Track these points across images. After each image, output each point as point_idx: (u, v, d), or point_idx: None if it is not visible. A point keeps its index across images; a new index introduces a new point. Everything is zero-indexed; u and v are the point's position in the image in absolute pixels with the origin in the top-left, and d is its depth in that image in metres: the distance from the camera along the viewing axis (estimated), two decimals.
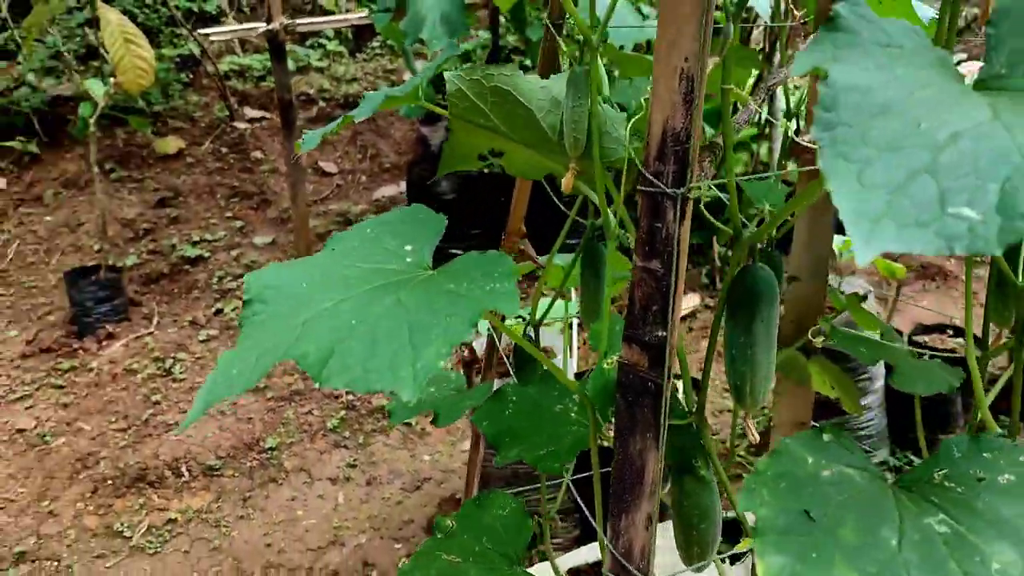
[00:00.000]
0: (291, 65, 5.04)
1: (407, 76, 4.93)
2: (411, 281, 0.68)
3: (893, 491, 0.60)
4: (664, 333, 0.77)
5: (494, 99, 0.94)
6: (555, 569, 1.02)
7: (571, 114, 0.89)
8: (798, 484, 0.57)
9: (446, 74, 0.97)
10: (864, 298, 2.44)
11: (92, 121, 3.30)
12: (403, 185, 4.20)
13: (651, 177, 0.75)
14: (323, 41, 5.12)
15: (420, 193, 3.64)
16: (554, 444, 0.95)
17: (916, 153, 0.45)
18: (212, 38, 3.44)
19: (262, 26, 3.17)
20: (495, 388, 1.09)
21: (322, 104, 4.92)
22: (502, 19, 4.17)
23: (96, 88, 3.31)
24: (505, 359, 1.47)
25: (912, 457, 2.46)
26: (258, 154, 4.67)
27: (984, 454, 0.61)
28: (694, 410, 0.92)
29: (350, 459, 2.73)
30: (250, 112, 4.93)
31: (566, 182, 0.93)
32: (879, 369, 2.45)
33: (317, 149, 4.85)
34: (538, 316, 1.31)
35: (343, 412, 2.95)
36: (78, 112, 3.42)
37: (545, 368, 1.06)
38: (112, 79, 3.35)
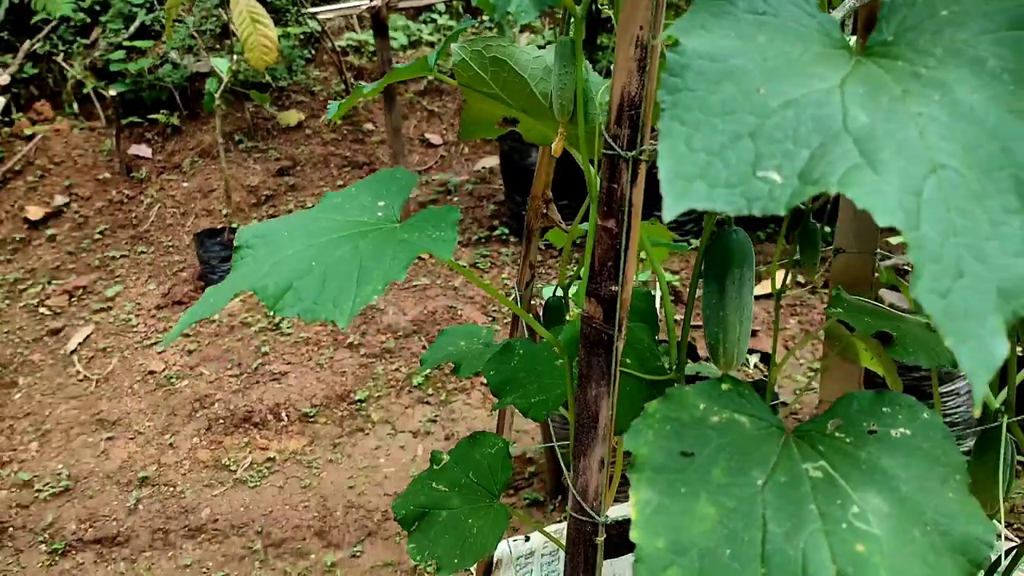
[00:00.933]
0: (403, 39, 5.23)
1: None
2: (373, 231, 0.76)
3: (786, 439, 0.63)
4: (616, 288, 0.82)
5: (493, 68, 1.00)
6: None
7: (558, 81, 0.94)
8: (683, 427, 0.61)
9: (452, 46, 1.05)
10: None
11: (217, 95, 3.59)
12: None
13: (610, 140, 0.79)
14: (435, 16, 5.28)
15: (511, 165, 3.72)
16: (544, 394, 1.02)
17: (744, 118, 0.48)
18: (319, 16, 3.65)
19: (365, 3, 3.33)
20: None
21: (430, 77, 5.09)
22: None
23: (221, 65, 3.60)
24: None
25: None
26: (369, 126, 4.91)
27: (884, 409, 0.63)
28: (674, 367, 0.96)
29: (432, 415, 2.89)
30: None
31: (555, 145, 0.98)
32: None
33: (424, 121, 5.04)
34: (565, 281, 1.37)
35: (428, 370, 3.12)
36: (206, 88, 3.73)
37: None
38: (235, 56, 3.63)
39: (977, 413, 0.42)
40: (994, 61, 0.51)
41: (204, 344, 3.45)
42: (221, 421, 2.95)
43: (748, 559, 0.54)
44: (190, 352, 3.40)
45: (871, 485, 0.58)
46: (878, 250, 1.51)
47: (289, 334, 3.43)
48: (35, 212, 4.52)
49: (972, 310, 0.42)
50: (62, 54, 5.08)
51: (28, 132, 4.89)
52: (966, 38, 0.52)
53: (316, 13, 3.74)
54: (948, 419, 2.30)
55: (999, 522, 0.97)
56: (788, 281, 1.44)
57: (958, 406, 2.31)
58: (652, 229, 1.50)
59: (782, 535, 0.55)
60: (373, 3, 3.29)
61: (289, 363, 3.24)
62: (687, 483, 0.58)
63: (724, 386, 0.65)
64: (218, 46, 5.03)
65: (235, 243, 0.78)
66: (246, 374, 3.21)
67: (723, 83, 0.50)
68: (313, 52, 5.37)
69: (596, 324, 0.84)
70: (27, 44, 5.09)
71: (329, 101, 5.04)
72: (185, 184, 4.61)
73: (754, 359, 2.41)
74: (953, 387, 2.28)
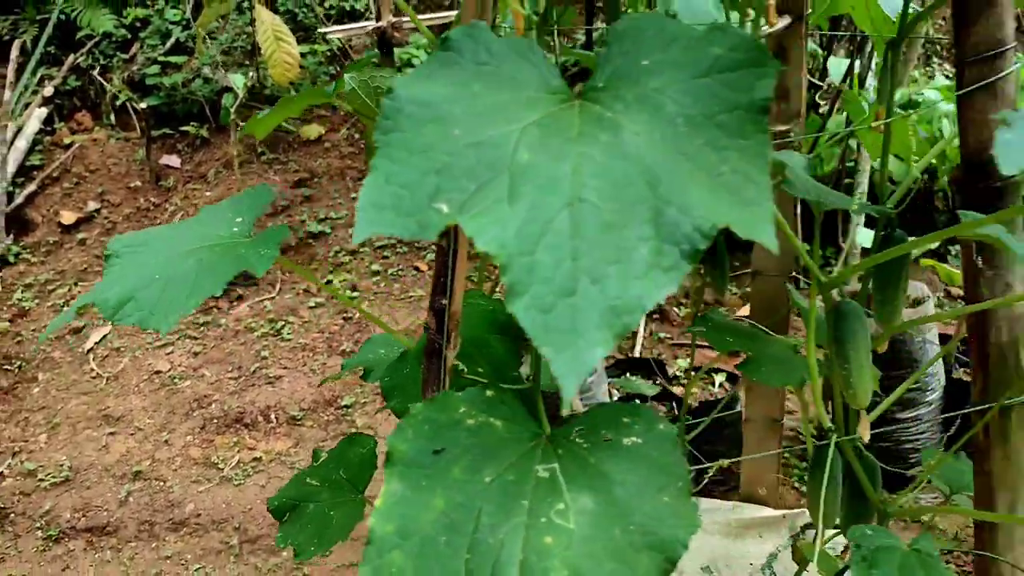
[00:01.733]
0: (424, 55, 5.38)
1: None
2: (220, 246, 0.85)
3: (536, 443, 0.69)
4: (446, 301, 0.89)
5: (377, 96, 1.09)
6: None
7: None
8: (440, 428, 0.68)
9: (345, 75, 1.14)
10: (921, 302, 2.31)
11: (233, 110, 3.77)
12: None
13: None
14: None
15: None
16: (418, 399, 1.10)
17: (438, 157, 0.56)
18: (328, 36, 3.81)
19: (371, 24, 3.46)
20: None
21: None
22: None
23: (237, 81, 3.78)
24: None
25: None
26: None
27: (625, 419, 0.69)
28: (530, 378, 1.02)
29: None
30: None
31: None
32: (936, 381, 2.31)
33: None
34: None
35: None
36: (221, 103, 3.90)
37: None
38: (251, 73, 3.80)
39: (565, 412, 0.48)
40: (673, 106, 0.57)
41: (209, 347, 3.60)
42: (215, 421, 3.09)
43: (458, 546, 0.61)
44: (196, 354, 3.56)
45: (587, 487, 0.64)
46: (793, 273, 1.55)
47: (289, 339, 3.57)
48: (68, 217, 4.77)
49: (574, 325, 0.48)
50: (99, 68, 5.35)
51: (67, 141, 5.17)
52: (656, 86, 0.58)
53: (326, 33, 3.90)
54: (910, 444, 2.29)
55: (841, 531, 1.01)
56: (700, 301, 1.49)
57: (921, 432, 2.30)
58: None
59: (490, 527, 0.61)
60: (379, 24, 3.42)
61: (285, 367, 3.37)
62: (429, 478, 0.65)
63: (488, 393, 0.72)
64: (247, 62, 5.25)
65: (105, 252, 0.88)
66: (244, 377, 3.34)
67: (428, 126, 0.57)
68: (338, 69, 5.55)
69: (431, 334, 0.92)
70: (71, 58, 5.38)
71: (352, 116, 5.19)
72: (208, 193, 4.81)
73: (720, 378, 2.44)
74: (916, 413, 2.28)
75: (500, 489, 0.64)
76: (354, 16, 5.76)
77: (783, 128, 1.34)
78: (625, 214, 0.52)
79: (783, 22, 1.29)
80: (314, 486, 1.06)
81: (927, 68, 4.90)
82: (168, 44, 5.30)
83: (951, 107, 3.12)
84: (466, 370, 0.98)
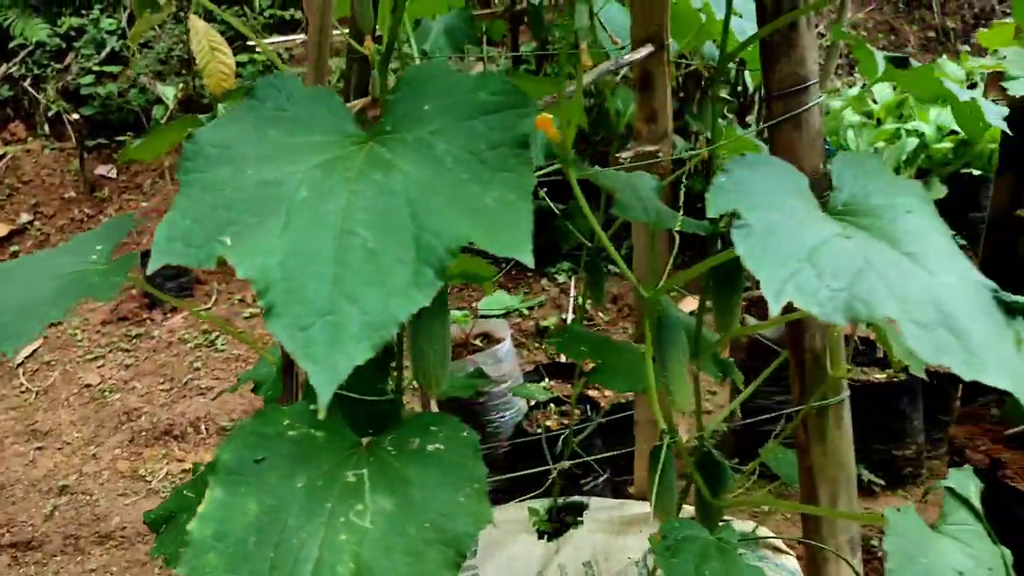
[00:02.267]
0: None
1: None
2: (75, 273, 0.91)
3: (353, 451, 0.76)
4: None
5: None
6: None
7: None
8: (264, 439, 0.75)
9: (219, 106, 1.19)
10: None
11: (163, 121, 3.77)
12: None
13: None
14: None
15: None
16: None
17: (228, 194, 0.62)
18: (258, 48, 3.83)
19: (302, 37, 3.50)
20: None
21: None
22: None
23: (168, 92, 3.78)
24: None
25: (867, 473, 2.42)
26: None
27: (432, 428, 0.76)
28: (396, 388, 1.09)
29: None
30: None
31: None
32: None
33: None
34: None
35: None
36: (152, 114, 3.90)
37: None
38: (180, 84, 3.81)
39: (320, 415, 0.54)
40: (444, 146, 0.65)
41: (142, 359, 3.60)
42: (144, 433, 3.09)
43: (265, 546, 0.67)
44: (127, 367, 3.55)
45: (388, 489, 0.71)
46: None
47: (223, 350, 3.58)
48: (1, 229, 4.70)
49: (332, 340, 0.55)
50: (32, 77, 5.28)
51: (0, 152, 5.09)
52: (432, 128, 0.66)
53: (255, 45, 3.94)
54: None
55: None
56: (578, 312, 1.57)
57: None
58: (472, 262, 1.65)
59: (295, 527, 0.68)
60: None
61: (218, 378, 3.38)
62: (248, 485, 0.72)
63: (312, 407, 0.78)
64: (184, 71, 5.23)
65: None
66: (176, 388, 3.35)
67: (224, 166, 0.64)
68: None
69: (284, 352, 0.98)
70: (3, 68, 5.31)
71: None
72: (144, 203, 4.79)
73: None
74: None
75: (308, 493, 0.70)
76: (294, 26, 5.77)
77: (651, 148, 1.43)
78: (387, 242, 0.59)
79: (645, 50, 1.38)
80: (191, 498, 1.11)
81: (850, 77, 5.10)
82: (103, 53, 5.26)
83: (856, 118, 3.28)
84: None
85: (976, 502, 0.86)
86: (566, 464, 1.34)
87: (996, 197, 1.60)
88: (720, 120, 1.23)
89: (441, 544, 0.68)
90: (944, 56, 4.92)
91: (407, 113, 0.68)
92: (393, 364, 1.23)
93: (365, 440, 0.78)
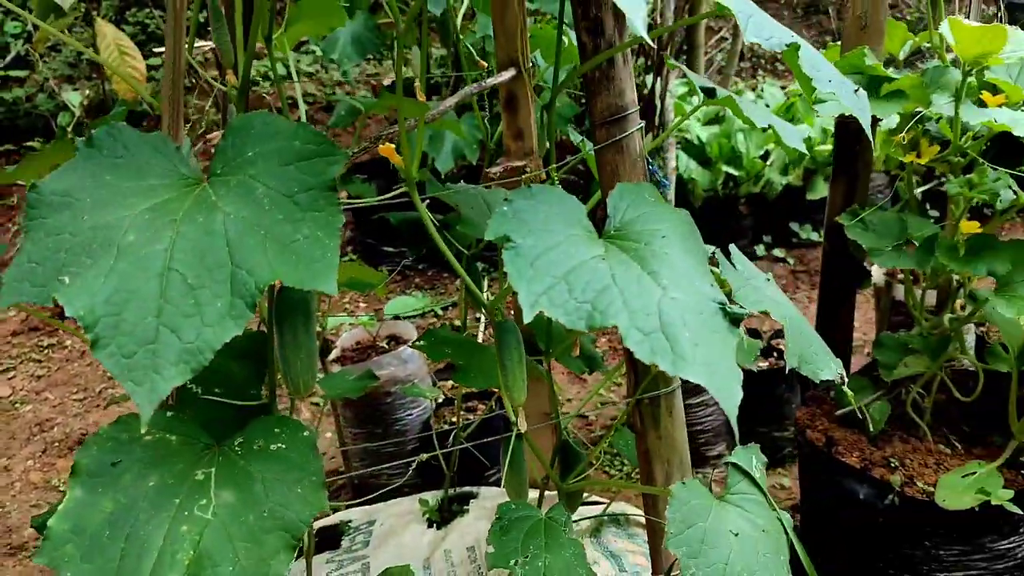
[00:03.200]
0: (288, 70, 5.42)
1: (387, 81, 5.23)
2: None
3: (205, 453, 0.85)
4: None
5: None
6: None
7: None
8: (120, 444, 0.84)
9: (93, 130, 1.26)
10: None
11: (70, 128, 3.73)
12: None
13: None
14: (314, 48, 5.50)
15: None
16: None
17: (67, 238, 0.71)
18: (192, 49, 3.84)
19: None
20: None
21: (306, 107, 5.30)
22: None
23: (73, 99, 3.74)
24: None
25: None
26: None
27: (276, 430, 0.86)
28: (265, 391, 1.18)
29: None
30: None
31: None
32: None
33: None
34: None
35: None
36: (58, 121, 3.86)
37: None
38: (88, 91, 3.77)
39: (143, 430, 0.65)
40: (263, 189, 0.75)
41: (54, 369, 3.57)
42: (57, 444, 3.08)
43: (117, 538, 0.76)
44: (38, 377, 3.52)
45: (233, 484, 0.81)
46: None
47: None
48: None
49: (153, 365, 0.65)
50: None
51: None
52: (252, 172, 0.76)
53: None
54: (699, 426, 2.59)
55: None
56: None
57: (709, 415, 2.61)
58: (355, 268, 1.74)
59: (144, 522, 0.77)
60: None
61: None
62: (104, 486, 0.80)
63: (168, 413, 0.88)
64: (95, 75, 5.14)
65: None
66: (89, 398, 3.34)
67: (63, 211, 0.73)
68: (194, 81, 5.51)
69: None
70: None
71: (214, 128, 5.18)
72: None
73: None
74: (702, 398, 2.58)
75: (158, 491, 0.80)
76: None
77: (518, 164, 1.56)
78: (205, 278, 0.69)
79: (508, 74, 1.50)
80: None
81: (754, 79, 5.36)
82: (8, 58, 5.12)
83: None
84: (200, 391, 1.13)
85: (759, 475, 1.01)
86: (422, 459, 1.45)
87: (831, 202, 1.77)
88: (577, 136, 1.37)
89: (279, 530, 0.79)
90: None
91: (234, 157, 0.78)
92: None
93: (216, 444, 0.88)
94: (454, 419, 2.52)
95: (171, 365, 0.65)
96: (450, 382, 2.73)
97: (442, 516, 1.71)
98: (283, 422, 0.87)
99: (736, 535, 0.91)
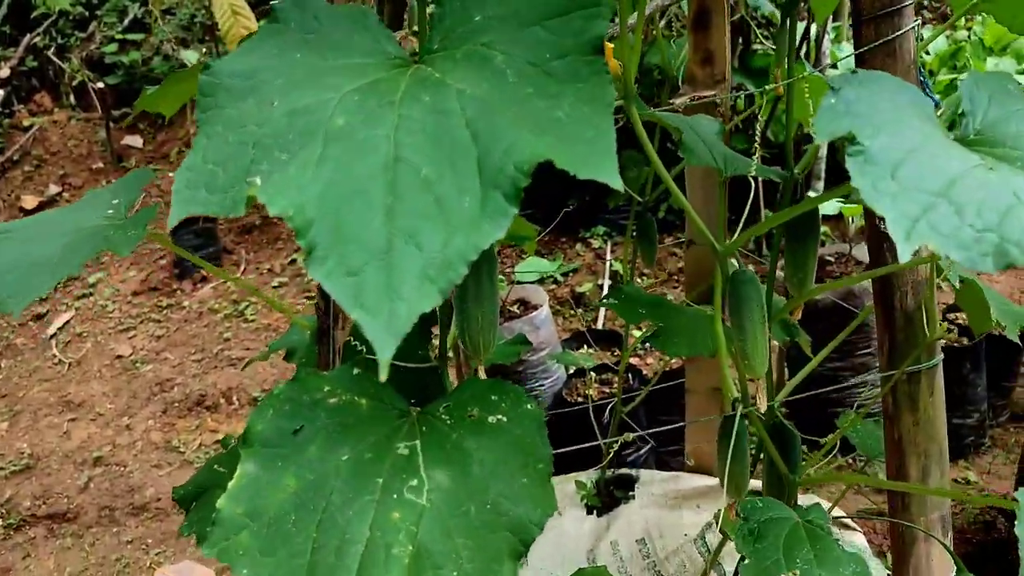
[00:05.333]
0: None
1: None
2: (89, 228, 0.82)
3: (403, 421, 0.67)
4: None
5: None
6: None
7: None
8: (300, 407, 0.66)
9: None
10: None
11: None
12: None
13: None
14: None
15: None
16: None
17: (252, 129, 0.53)
18: None
19: None
20: None
21: None
22: None
23: (191, 58, 3.70)
24: None
25: None
26: None
27: (492, 397, 0.67)
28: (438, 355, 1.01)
29: None
30: None
31: None
32: None
33: None
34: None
35: None
36: None
37: None
38: (204, 50, 3.72)
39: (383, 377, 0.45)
40: (502, 58, 0.54)
41: (172, 330, 3.57)
42: (176, 404, 3.06)
43: (306, 524, 0.59)
44: (158, 337, 3.52)
45: (445, 463, 0.62)
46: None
47: (252, 320, 3.53)
48: (30, 201, 4.69)
49: (388, 285, 0.46)
50: (56, 47, 5.23)
51: (27, 123, 5.06)
52: (486, 40, 0.56)
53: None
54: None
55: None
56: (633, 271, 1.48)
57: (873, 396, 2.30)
58: (514, 221, 1.54)
59: (340, 504, 0.59)
60: None
61: (248, 348, 3.34)
62: (284, 458, 0.63)
63: (355, 371, 0.70)
64: (207, 37, 5.14)
65: None
66: (207, 359, 3.32)
67: (247, 98, 0.55)
68: None
69: (320, 315, 0.89)
70: (27, 38, 5.26)
71: None
72: (171, 173, 4.74)
73: None
74: (868, 377, 2.28)
75: (355, 467, 0.62)
76: None
77: (707, 93, 1.32)
78: (446, 169, 0.49)
79: None
80: (223, 473, 1.04)
81: (917, 18, 4.85)
82: (126, 21, 5.19)
83: None
84: (365, 349, 0.96)
85: None
86: (629, 436, 1.24)
87: None
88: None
89: (505, 530, 0.59)
90: None
91: (455, 26, 0.58)
92: (435, 328, 1.14)
93: (415, 410, 0.69)
94: (589, 391, 2.32)
95: (413, 285, 0.46)
96: (580, 351, 2.52)
97: (602, 501, 1.51)
98: (501, 387, 0.67)
99: None
